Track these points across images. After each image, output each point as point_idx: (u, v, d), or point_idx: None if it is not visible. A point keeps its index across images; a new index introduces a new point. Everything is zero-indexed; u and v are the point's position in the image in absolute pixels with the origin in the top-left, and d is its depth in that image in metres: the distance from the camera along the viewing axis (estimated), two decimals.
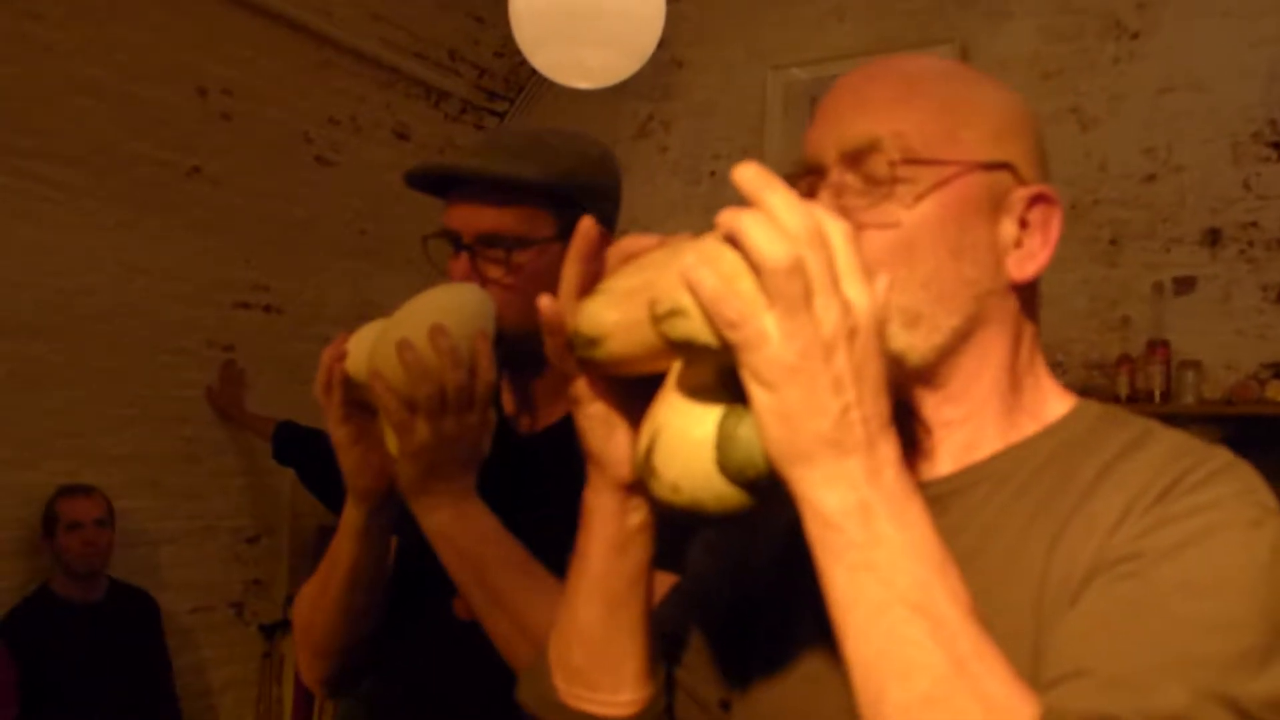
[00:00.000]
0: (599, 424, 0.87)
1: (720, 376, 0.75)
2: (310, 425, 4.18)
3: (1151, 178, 4.00)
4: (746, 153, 4.71)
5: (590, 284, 0.83)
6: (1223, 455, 0.82)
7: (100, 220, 3.90)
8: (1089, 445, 0.86)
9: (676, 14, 3.31)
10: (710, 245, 0.70)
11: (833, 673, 0.73)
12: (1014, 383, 0.91)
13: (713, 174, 4.81)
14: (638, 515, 0.89)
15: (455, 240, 1.44)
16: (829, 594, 0.71)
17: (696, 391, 0.76)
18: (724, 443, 0.74)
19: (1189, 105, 3.95)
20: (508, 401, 1.55)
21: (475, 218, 1.42)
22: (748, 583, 0.99)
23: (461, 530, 1.33)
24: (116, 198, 3.93)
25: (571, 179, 1.43)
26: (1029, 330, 0.92)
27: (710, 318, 0.69)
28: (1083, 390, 4.09)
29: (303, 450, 4.18)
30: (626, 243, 0.83)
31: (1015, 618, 0.79)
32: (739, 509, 0.75)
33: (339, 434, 1.39)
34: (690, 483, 0.75)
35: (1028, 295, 0.92)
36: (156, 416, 4.15)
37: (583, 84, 3.20)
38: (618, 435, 0.87)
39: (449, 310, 1.32)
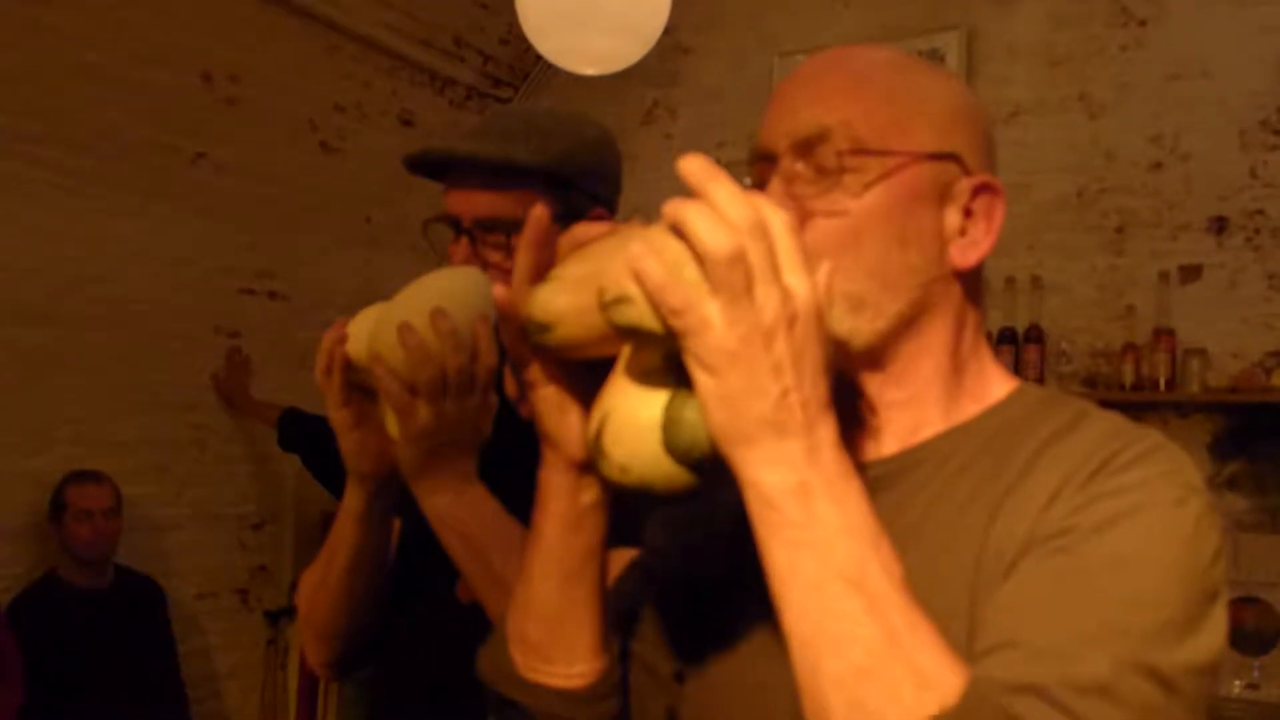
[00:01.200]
0: (552, 406, 0.90)
1: (666, 361, 0.77)
2: (315, 412, 4.18)
3: (1158, 165, 4.00)
4: (752, 140, 4.70)
5: (544, 271, 0.85)
6: (1152, 437, 0.85)
7: (107, 206, 3.90)
8: (1027, 426, 0.89)
9: (682, 0, 3.31)
10: (656, 235, 0.73)
11: (782, 647, 0.76)
12: (957, 366, 0.94)
13: (718, 161, 4.80)
14: (591, 493, 0.92)
15: (455, 224, 1.44)
16: (769, 569, 0.74)
17: (644, 376, 0.79)
18: (670, 425, 0.77)
19: (1196, 93, 3.94)
20: (510, 385, 1.55)
21: (472, 202, 1.42)
22: (702, 558, 1.02)
23: (462, 513, 1.34)
24: (123, 183, 3.93)
25: (567, 161, 1.42)
26: (973, 315, 0.96)
27: (655, 305, 0.72)
28: (1088, 378, 4.11)
29: (307, 437, 4.19)
30: (578, 230, 0.86)
31: (953, 592, 0.82)
32: (685, 488, 0.78)
33: (339, 417, 1.39)
34: (638, 463, 0.78)
35: (972, 282, 0.95)
36: (163, 403, 4.15)
37: (588, 70, 3.20)
38: (570, 416, 0.90)
39: (450, 293, 1.32)
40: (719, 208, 0.71)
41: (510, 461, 1.41)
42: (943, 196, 0.90)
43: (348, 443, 1.40)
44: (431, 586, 1.46)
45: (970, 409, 0.93)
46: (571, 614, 0.95)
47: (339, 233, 4.69)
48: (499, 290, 0.88)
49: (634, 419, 0.78)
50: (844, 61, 0.94)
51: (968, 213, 0.91)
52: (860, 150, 0.88)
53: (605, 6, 3.01)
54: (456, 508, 1.34)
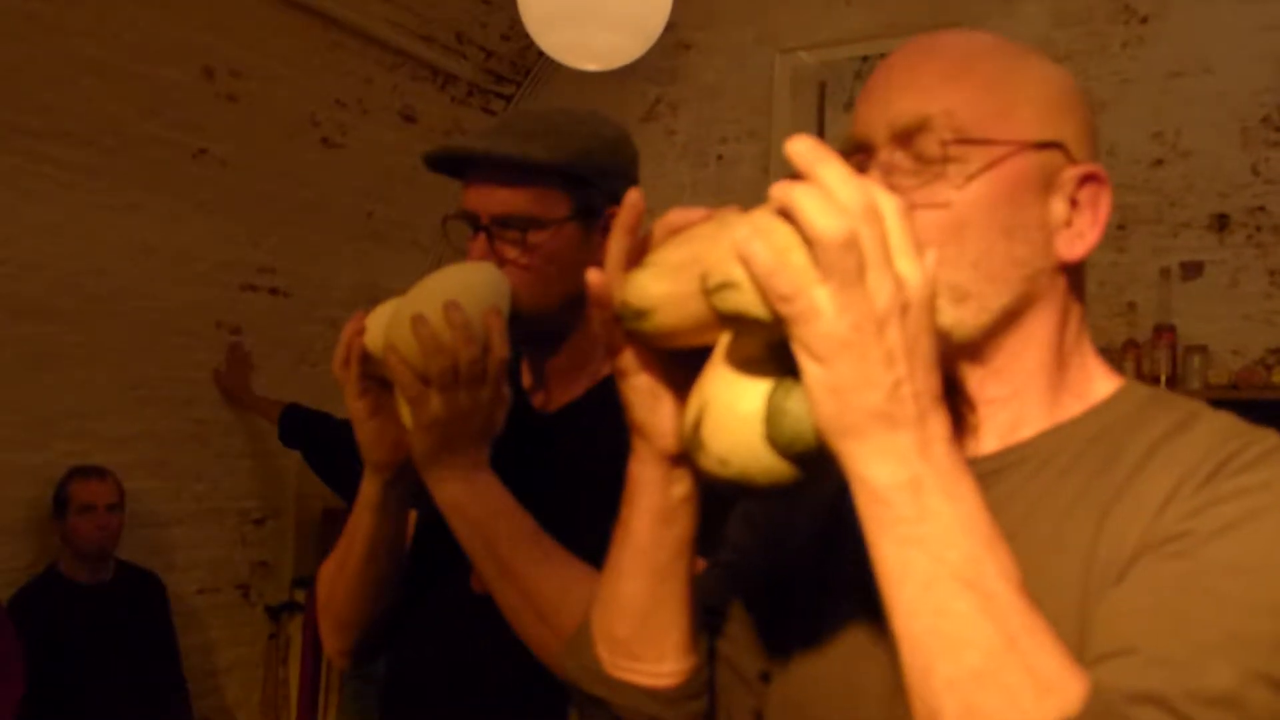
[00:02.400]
0: (645, 395, 0.87)
1: (769, 349, 0.75)
2: (316, 408, 4.20)
3: (1160, 162, 3.99)
4: (754, 137, 4.70)
5: (637, 256, 0.83)
6: (1272, 437, 0.82)
7: (108, 201, 3.90)
8: (1136, 426, 0.86)
9: None
10: (763, 218, 0.70)
11: (873, 646, 0.73)
12: (1060, 361, 0.90)
13: (720, 158, 4.80)
14: (682, 486, 0.89)
15: (473, 221, 1.46)
16: (878, 568, 0.71)
17: (745, 364, 0.77)
18: (773, 416, 0.74)
19: (1198, 90, 3.94)
20: (526, 380, 1.58)
21: (490, 199, 1.45)
22: (788, 555, 0.99)
23: (473, 502, 1.36)
24: (124, 178, 3.93)
25: (584, 159, 1.44)
26: (1076, 310, 0.92)
27: (763, 291, 0.69)
28: None
29: (309, 433, 4.20)
30: (673, 215, 0.83)
31: (1059, 595, 0.78)
32: (787, 482, 0.75)
33: (356, 407, 1.42)
34: (738, 456, 0.75)
35: (1075, 275, 0.91)
36: (165, 398, 4.16)
37: (590, 66, 3.20)
38: (663, 407, 0.87)
39: (463, 287, 1.35)
40: (830, 190, 0.68)
41: (523, 454, 1.44)
42: (1048, 186, 0.87)
43: (364, 432, 1.43)
44: (446, 578, 1.48)
45: (1074, 407, 0.90)
46: (661, 611, 0.92)
47: (340, 228, 4.69)
48: (592, 274, 0.85)
49: (734, 409, 0.75)
50: (942, 47, 0.90)
51: (1073, 203, 0.88)
52: (964, 140, 0.84)
53: (607, 3, 3.01)
54: (467, 496, 1.36)
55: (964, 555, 0.69)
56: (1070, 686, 0.68)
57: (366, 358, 1.40)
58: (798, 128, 4.50)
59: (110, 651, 3.70)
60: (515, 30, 4.49)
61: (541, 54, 3.77)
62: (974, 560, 0.69)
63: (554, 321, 1.48)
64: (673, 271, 0.78)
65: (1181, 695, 0.69)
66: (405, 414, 1.38)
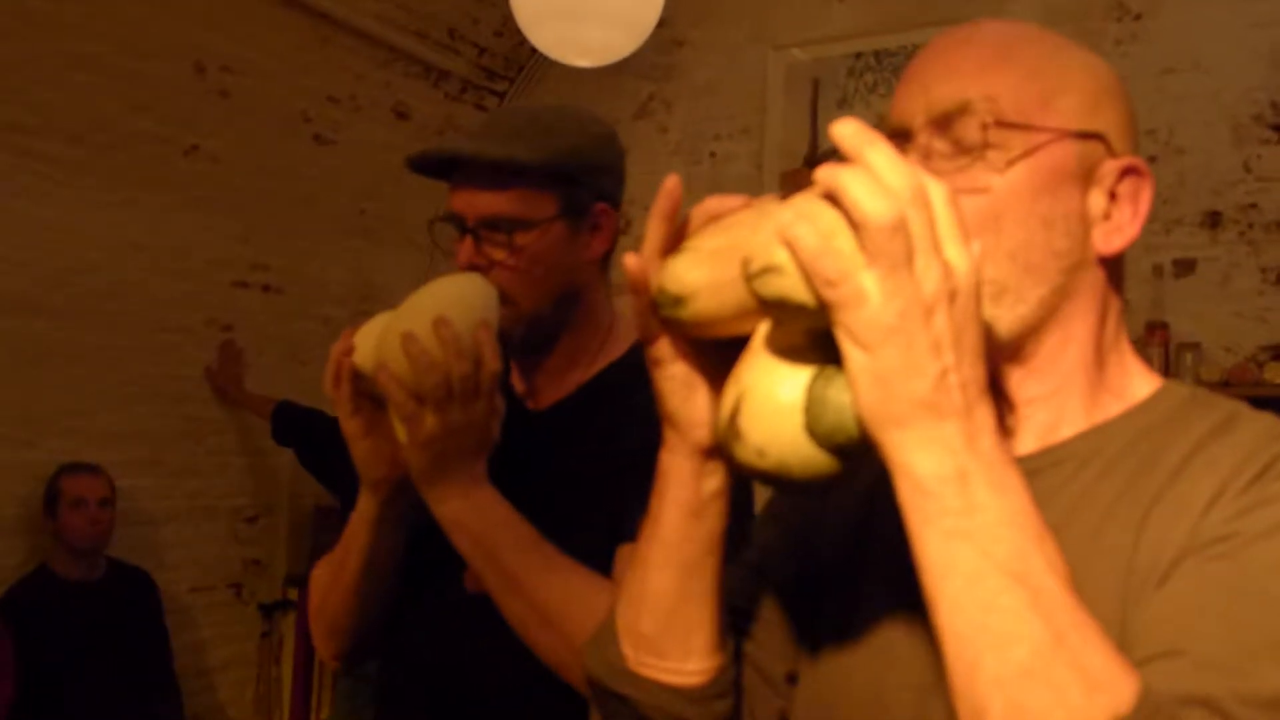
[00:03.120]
0: (679, 385, 0.85)
1: (810, 337, 0.73)
2: (309, 405, 4.19)
3: (1152, 159, 3.99)
4: (747, 134, 4.69)
5: (674, 243, 0.81)
6: None
7: (100, 197, 3.89)
8: (1176, 426, 0.85)
9: None
10: (807, 202, 0.69)
11: (906, 645, 0.72)
12: (1099, 359, 0.89)
13: (713, 155, 4.79)
14: (714, 480, 0.88)
15: (459, 224, 1.45)
16: (921, 562, 0.70)
17: (784, 352, 0.75)
18: (814, 406, 0.72)
19: (1190, 87, 3.94)
20: (516, 380, 1.57)
21: (476, 201, 1.44)
22: (816, 553, 0.98)
23: (473, 517, 1.36)
24: (116, 174, 3.92)
25: (570, 158, 1.43)
26: (1114, 305, 0.90)
27: (808, 276, 0.67)
28: None
29: (301, 430, 4.19)
30: (711, 203, 0.81)
31: (1099, 597, 0.76)
32: (827, 474, 0.74)
33: (350, 426, 1.42)
34: (777, 447, 0.73)
35: (1114, 269, 0.89)
36: (157, 395, 4.15)
37: (583, 62, 3.19)
38: (697, 397, 0.85)
39: (451, 302, 1.35)
40: (878, 174, 0.66)
41: (511, 452, 1.44)
42: (1087, 178, 0.85)
43: (359, 450, 1.43)
44: (438, 576, 1.48)
45: (1113, 407, 0.88)
46: (688, 607, 0.90)
47: (332, 225, 4.67)
48: (630, 259, 0.83)
49: (773, 398, 0.73)
50: (983, 34, 0.89)
51: (1112, 196, 0.86)
52: (1005, 124, 0.82)
53: None
54: (467, 511, 1.36)
55: (1011, 549, 0.68)
56: (1121, 685, 0.66)
57: (358, 376, 1.40)
58: (791, 125, 4.50)
59: (102, 650, 3.68)
60: (508, 26, 4.48)
61: (534, 50, 3.77)
62: (1022, 554, 0.68)
63: (549, 321, 1.48)
64: (710, 258, 0.77)
65: (1231, 698, 0.68)
66: (400, 431, 1.37)
